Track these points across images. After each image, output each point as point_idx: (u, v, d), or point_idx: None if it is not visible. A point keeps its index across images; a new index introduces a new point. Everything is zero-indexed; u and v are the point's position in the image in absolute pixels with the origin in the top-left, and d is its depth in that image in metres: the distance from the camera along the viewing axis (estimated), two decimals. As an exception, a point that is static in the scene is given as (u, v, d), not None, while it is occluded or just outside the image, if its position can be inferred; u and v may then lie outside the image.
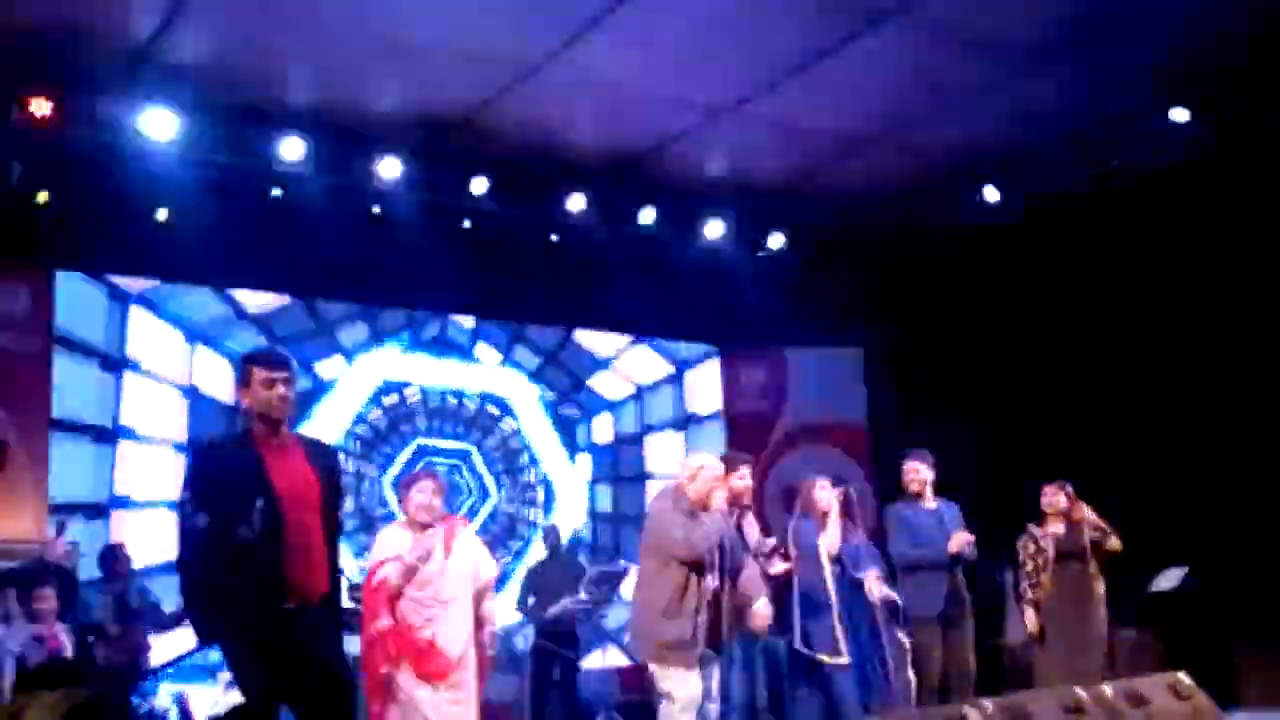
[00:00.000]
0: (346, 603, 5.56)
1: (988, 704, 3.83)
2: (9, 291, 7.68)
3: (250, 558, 3.47)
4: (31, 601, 5.80)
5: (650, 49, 7.11)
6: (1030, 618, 6.59)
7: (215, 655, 5.51)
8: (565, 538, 8.69)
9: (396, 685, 4.50)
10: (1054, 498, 6.63)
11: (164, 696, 5.21)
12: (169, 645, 7.15)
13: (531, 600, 7.94)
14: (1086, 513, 6.55)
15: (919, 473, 6.30)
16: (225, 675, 5.36)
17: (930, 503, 6.29)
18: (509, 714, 7.72)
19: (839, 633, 5.63)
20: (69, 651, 5.69)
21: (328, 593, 3.64)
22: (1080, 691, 3.98)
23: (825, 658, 5.60)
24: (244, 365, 3.70)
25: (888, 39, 7.01)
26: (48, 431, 7.56)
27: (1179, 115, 7.90)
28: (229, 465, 3.57)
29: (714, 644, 5.17)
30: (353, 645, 5.02)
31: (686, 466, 5.31)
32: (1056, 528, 6.60)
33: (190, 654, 5.58)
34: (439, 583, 4.62)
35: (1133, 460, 8.21)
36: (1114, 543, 6.49)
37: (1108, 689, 4.07)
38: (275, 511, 3.50)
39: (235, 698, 5.09)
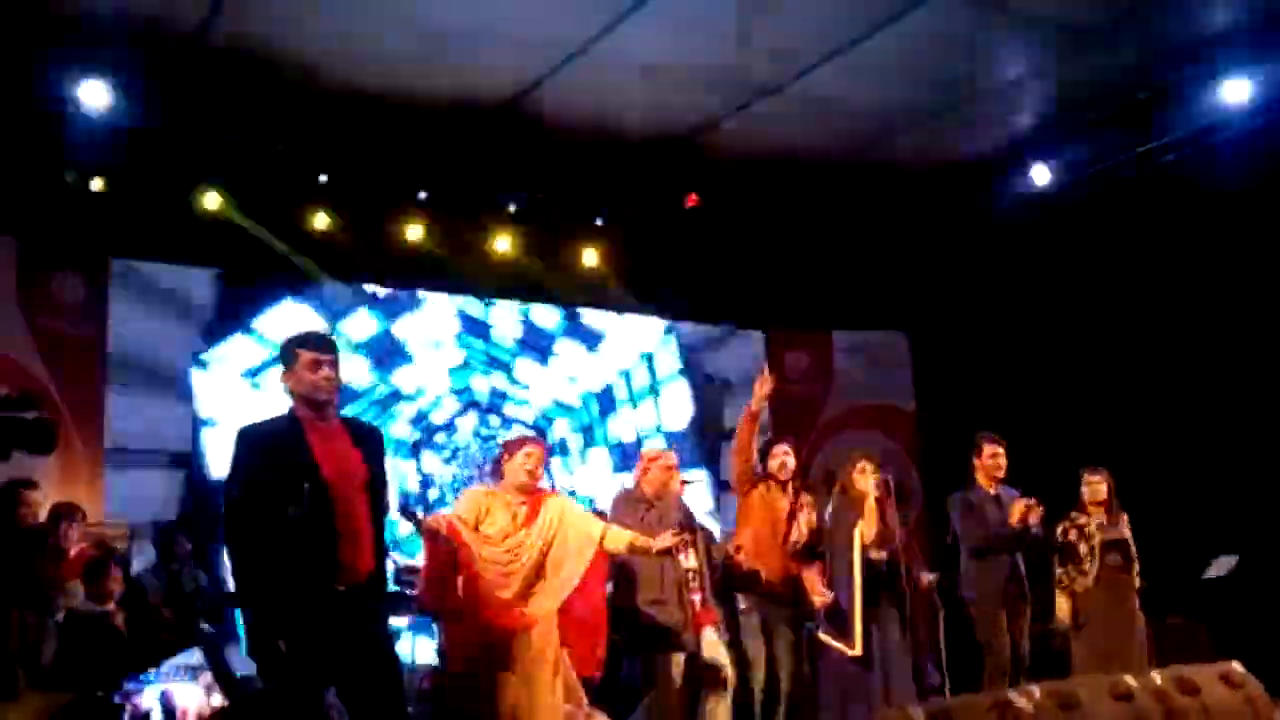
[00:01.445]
0: (392, 585, 5.62)
1: (1035, 689, 3.80)
2: (65, 278, 7.82)
3: (300, 540, 3.49)
4: (103, 581, 5.84)
5: (694, 28, 7.07)
6: (1064, 607, 6.45)
7: (197, 657, 5.49)
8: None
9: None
10: (1097, 486, 6.49)
11: (148, 696, 5.21)
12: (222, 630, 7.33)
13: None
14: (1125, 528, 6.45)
15: (1000, 456, 6.23)
16: (207, 678, 5.35)
17: (992, 488, 6.22)
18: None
19: (857, 623, 5.51)
20: (124, 632, 5.78)
21: (374, 574, 3.66)
22: (1130, 679, 3.93)
23: (844, 647, 5.54)
24: (288, 348, 3.71)
25: (935, 13, 6.92)
26: (102, 416, 7.69)
27: (1235, 90, 7.73)
28: (275, 448, 3.58)
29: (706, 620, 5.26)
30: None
31: (642, 459, 5.46)
32: (1099, 516, 6.46)
33: (174, 656, 5.58)
34: (517, 551, 4.57)
35: (1187, 445, 8.07)
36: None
37: (1158, 676, 4.01)
38: (323, 493, 3.52)
39: (219, 699, 5.11)
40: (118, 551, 6.45)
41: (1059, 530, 6.51)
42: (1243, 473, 7.82)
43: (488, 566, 4.51)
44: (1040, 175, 8.80)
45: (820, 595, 5.55)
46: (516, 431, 8.81)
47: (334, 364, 3.66)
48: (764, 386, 5.64)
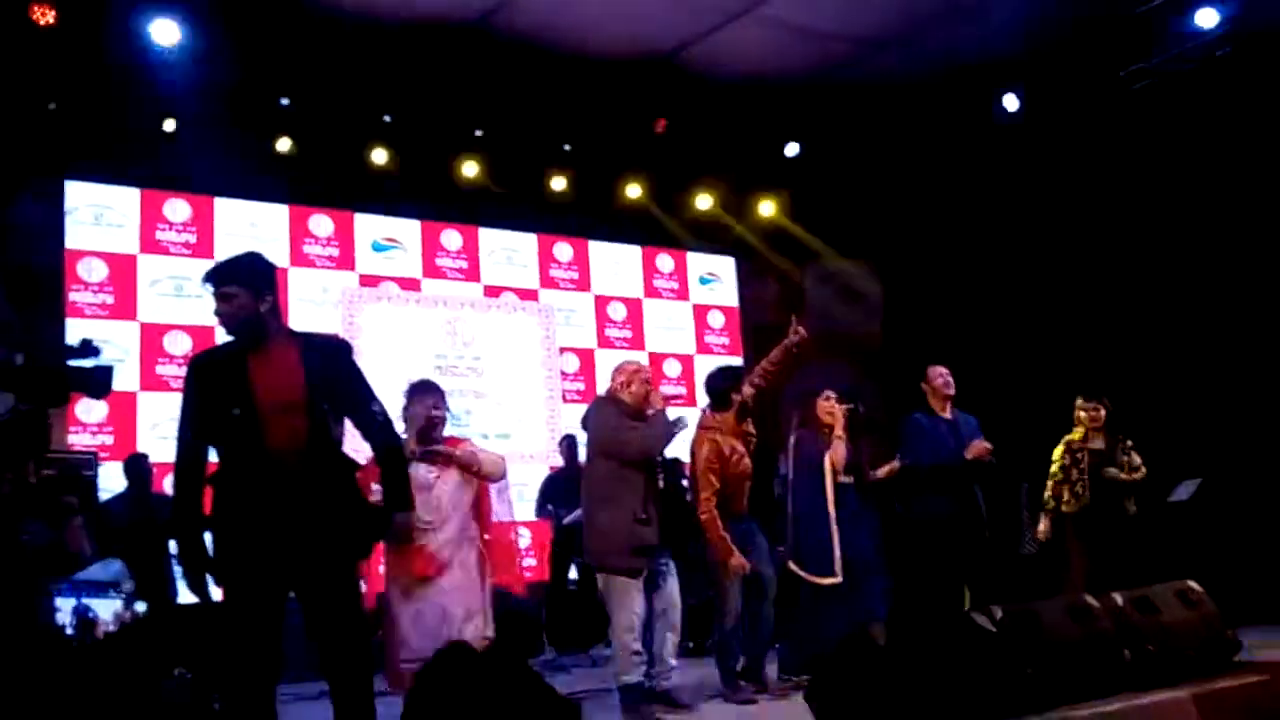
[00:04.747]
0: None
1: (998, 610, 3.86)
2: (21, 202, 7.65)
3: (235, 464, 3.57)
4: (56, 504, 5.81)
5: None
6: (1044, 526, 6.65)
7: (115, 569, 5.47)
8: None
9: (391, 580, 4.69)
10: (1094, 412, 6.63)
11: (64, 611, 5.20)
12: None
13: (549, 508, 8.04)
14: (1133, 454, 6.59)
15: (947, 377, 6.29)
16: (128, 586, 5.34)
17: (947, 413, 6.30)
18: (527, 617, 7.82)
19: (835, 551, 5.55)
20: (88, 555, 5.74)
21: (322, 492, 3.58)
22: (1090, 599, 4.01)
23: (816, 578, 5.57)
24: None
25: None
26: (64, 339, 7.59)
27: (1206, 18, 7.73)
28: (215, 376, 3.64)
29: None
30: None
31: (621, 372, 5.36)
32: (1095, 443, 6.59)
33: (88, 570, 5.57)
34: (426, 509, 4.65)
35: (1152, 372, 8.15)
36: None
37: (1118, 596, 4.10)
38: (254, 417, 3.53)
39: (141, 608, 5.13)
40: (84, 477, 6.39)
41: (1057, 454, 6.65)
42: (1206, 397, 7.93)
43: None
44: (1010, 103, 8.79)
45: None
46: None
47: (222, 296, 3.63)
48: (794, 336, 5.63)
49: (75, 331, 7.59)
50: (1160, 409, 7.84)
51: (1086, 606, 3.94)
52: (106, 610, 4.95)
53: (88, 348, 4.07)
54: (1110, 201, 8.56)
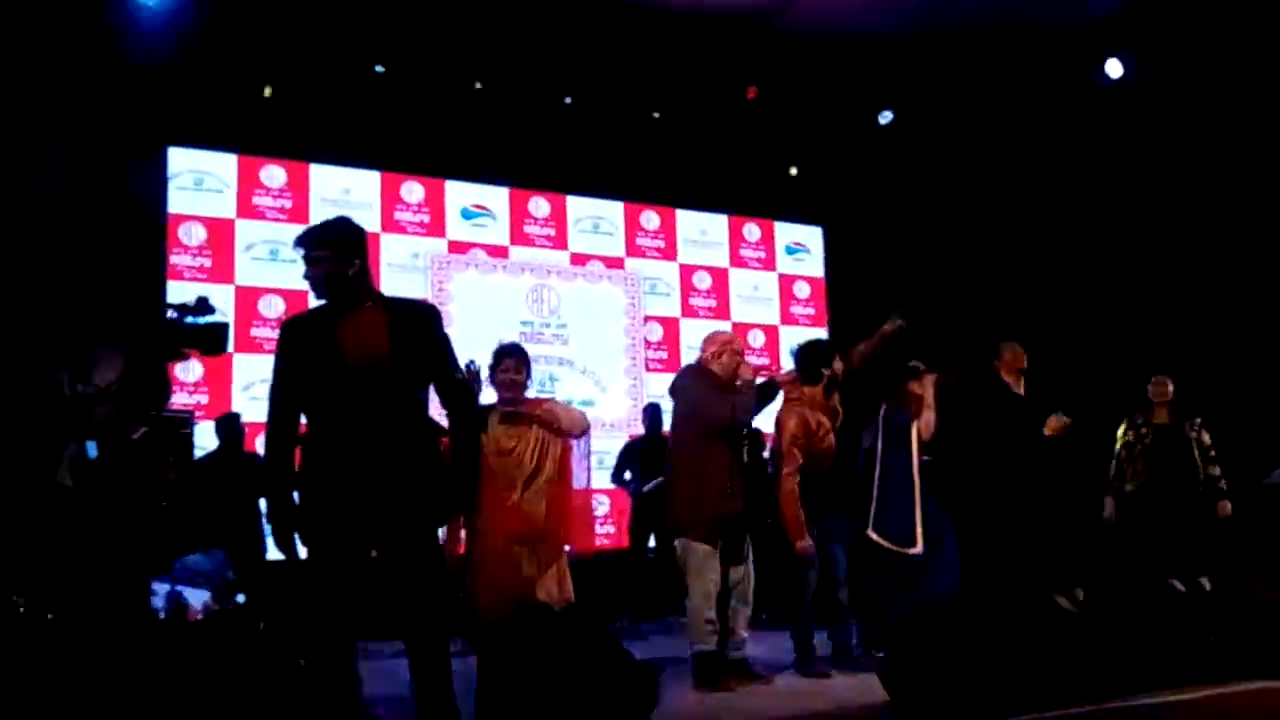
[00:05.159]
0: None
1: (1079, 591, 3.80)
2: (125, 168, 7.88)
3: (319, 424, 3.66)
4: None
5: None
6: (1110, 508, 6.56)
7: (218, 559, 5.58)
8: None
9: (475, 538, 4.67)
10: (1161, 388, 6.56)
11: (159, 595, 5.33)
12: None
13: (629, 475, 8.09)
14: (1205, 436, 6.43)
15: (1018, 350, 6.24)
16: (229, 575, 5.44)
17: (1020, 388, 6.23)
18: (604, 582, 7.89)
19: (918, 521, 5.54)
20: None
21: (405, 455, 3.67)
22: (1175, 582, 3.92)
23: (898, 548, 5.55)
24: None
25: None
26: (165, 303, 7.81)
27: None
28: (306, 338, 3.72)
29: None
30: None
31: (712, 343, 5.35)
32: (1162, 418, 6.49)
33: (182, 557, 5.70)
34: (512, 470, 4.71)
35: (1251, 352, 7.88)
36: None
37: (1205, 581, 4.00)
38: (341, 378, 3.61)
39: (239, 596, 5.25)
40: (181, 434, 6.59)
41: (1120, 431, 6.58)
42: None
43: (495, 475, 4.65)
44: (1113, 69, 8.54)
45: None
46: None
47: (312, 260, 3.73)
48: (890, 326, 5.62)
49: (175, 294, 7.80)
50: (1259, 390, 7.59)
51: (1171, 589, 3.85)
52: (198, 600, 5.12)
53: (203, 305, 4.17)
54: (1197, 175, 8.28)
